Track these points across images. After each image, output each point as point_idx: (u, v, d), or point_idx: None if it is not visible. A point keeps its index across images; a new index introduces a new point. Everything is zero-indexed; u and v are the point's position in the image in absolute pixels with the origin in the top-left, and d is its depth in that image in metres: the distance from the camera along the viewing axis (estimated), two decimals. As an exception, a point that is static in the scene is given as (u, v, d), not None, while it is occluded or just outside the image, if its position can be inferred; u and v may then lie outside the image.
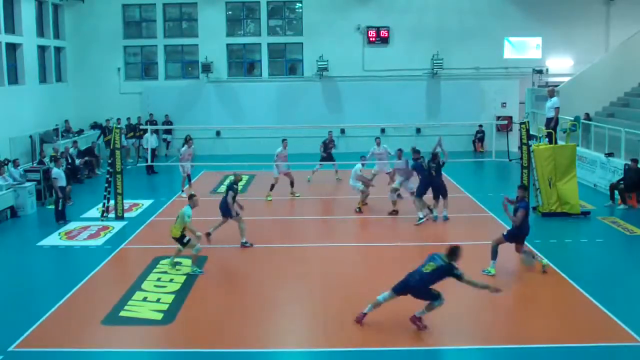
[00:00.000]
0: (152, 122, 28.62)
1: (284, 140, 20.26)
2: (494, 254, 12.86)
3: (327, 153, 22.41)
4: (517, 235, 12.98)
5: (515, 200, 13.27)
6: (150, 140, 24.88)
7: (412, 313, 10.25)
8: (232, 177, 15.58)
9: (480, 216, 17.63)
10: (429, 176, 16.92)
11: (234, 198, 14.82)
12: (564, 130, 19.39)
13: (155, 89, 30.50)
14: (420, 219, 16.70)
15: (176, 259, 13.51)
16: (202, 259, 13.72)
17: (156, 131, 27.71)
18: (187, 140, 21.24)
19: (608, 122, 22.56)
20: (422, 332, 10.18)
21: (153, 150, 25.96)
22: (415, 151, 17.44)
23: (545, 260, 13.17)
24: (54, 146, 23.09)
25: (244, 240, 14.90)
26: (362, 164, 18.48)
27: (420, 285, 10.03)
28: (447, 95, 30.31)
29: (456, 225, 16.98)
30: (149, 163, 21.63)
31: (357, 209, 18.15)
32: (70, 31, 29.89)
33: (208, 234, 14.75)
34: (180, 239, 13.24)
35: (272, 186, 19.95)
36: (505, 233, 13.14)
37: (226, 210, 14.90)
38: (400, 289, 10.19)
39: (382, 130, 21.29)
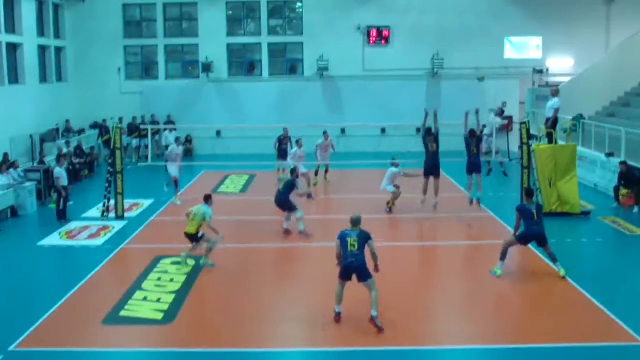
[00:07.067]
0: (154, 122, 28.61)
1: (297, 141, 20.91)
2: (504, 255, 12.60)
3: (282, 150, 22.16)
4: (527, 237, 12.49)
5: None
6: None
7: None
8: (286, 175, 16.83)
9: (480, 216, 17.61)
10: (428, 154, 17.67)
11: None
12: (565, 130, 19.39)
13: (156, 89, 30.50)
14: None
15: (188, 257, 13.58)
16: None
17: (173, 130, 27.73)
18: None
19: (608, 122, 22.54)
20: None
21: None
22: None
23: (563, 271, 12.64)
24: (59, 146, 23.13)
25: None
26: (395, 165, 18.20)
27: None
28: (448, 95, 30.23)
29: (456, 225, 17.00)
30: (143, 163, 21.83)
31: (388, 209, 18.13)
32: (70, 31, 29.89)
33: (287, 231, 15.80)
34: (194, 236, 13.42)
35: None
36: (517, 234, 12.60)
37: (285, 204, 15.92)
38: None
39: (383, 130, 21.23)
